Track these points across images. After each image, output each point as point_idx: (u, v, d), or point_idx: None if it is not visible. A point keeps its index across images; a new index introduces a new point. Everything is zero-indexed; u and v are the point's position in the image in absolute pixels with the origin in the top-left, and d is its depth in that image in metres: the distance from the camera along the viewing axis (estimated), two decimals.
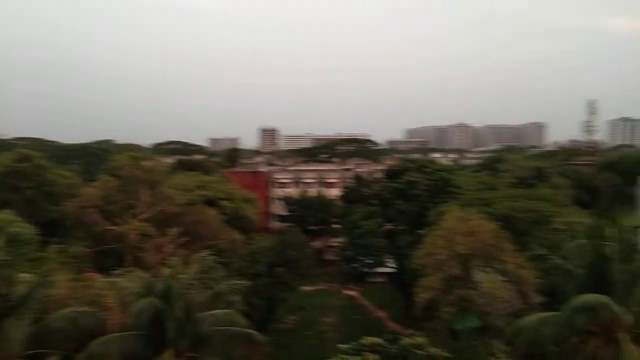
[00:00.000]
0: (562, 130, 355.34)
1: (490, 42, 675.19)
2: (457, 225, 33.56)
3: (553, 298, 24.23)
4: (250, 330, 18.60)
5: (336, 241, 66.19)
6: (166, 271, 18.40)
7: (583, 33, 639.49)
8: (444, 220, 35.55)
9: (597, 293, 16.12)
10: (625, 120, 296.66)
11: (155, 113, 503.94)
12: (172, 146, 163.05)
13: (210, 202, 45.50)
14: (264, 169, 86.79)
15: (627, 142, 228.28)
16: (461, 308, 31.61)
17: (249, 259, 39.84)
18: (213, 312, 18.28)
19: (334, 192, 74.38)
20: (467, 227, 32.89)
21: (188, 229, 35.38)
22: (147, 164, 42.18)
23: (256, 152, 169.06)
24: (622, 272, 16.82)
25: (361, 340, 27.59)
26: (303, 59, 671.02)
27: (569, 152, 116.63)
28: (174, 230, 33.59)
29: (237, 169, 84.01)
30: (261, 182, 76.51)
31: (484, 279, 31.81)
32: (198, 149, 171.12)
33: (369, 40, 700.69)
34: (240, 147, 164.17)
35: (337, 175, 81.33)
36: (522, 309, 27.36)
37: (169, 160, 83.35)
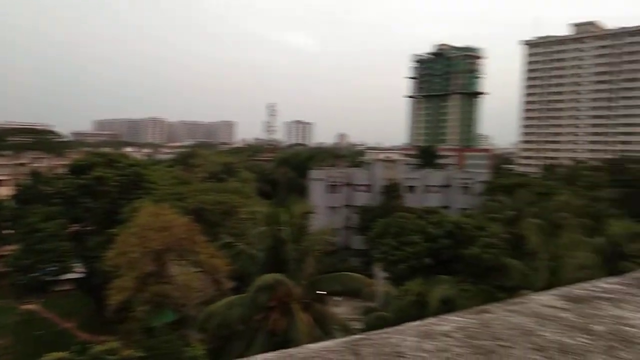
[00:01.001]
0: (249, 129, 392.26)
1: (191, 41, 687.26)
2: (150, 221, 33.09)
3: (242, 282, 26.45)
4: None
5: (8, 249, 56.22)
6: None
7: (268, 44, 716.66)
8: (137, 217, 34.58)
9: (276, 272, 18.39)
10: (298, 122, 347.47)
11: None
12: None
13: None
14: None
15: (300, 141, 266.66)
16: (157, 304, 31.38)
17: None
18: None
19: (4, 191, 63.15)
20: (160, 222, 32.79)
21: None
22: None
23: None
24: (294, 252, 19.65)
25: (42, 358, 24.46)
26: None
27: (254, 149, 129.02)
28: None
29: None
30: None
31: (179, 272, 32.35)
32: None
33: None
34: None
35: (7, 171, 69.28)
36: (216, 296, 28.99)
37: None
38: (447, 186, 65.20)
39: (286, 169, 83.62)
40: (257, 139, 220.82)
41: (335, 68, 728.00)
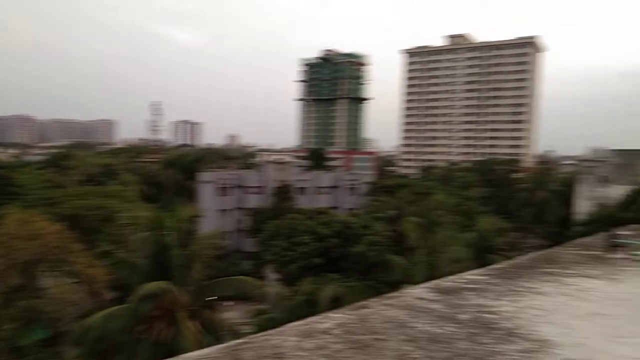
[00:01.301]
0: (132, 129, 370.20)
1: (64, 32, 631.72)
2: (18, 229, 29.98)
3: (123, 292, 24.88)
4: None
5: None
6: None
7: (153, 39, 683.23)
8: (2, 225, 31.19)
9: (160, 280, 17.54)
10: (186, 122, 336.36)
11: None
12: None
13: None
14: None
15: (187, 142, 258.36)
16: (27, 321, 28.51)
17: None
18: None
19: None
20: (30, 230, 29.84)
21: None
22: None
23: None
24: (181, 258, 18.89)
25: None
26: None
27: (137, 150, 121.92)
28: None
29: None
30: None
31: (52, 284, 29.72)
32: None
33: None
34: None
35: None
36: (94, 308, 26.98)
37: None
38: (335, 187, 67.31)
39: (173, 171, 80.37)
40: (140, 139, 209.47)
41: (225, 68, 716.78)
